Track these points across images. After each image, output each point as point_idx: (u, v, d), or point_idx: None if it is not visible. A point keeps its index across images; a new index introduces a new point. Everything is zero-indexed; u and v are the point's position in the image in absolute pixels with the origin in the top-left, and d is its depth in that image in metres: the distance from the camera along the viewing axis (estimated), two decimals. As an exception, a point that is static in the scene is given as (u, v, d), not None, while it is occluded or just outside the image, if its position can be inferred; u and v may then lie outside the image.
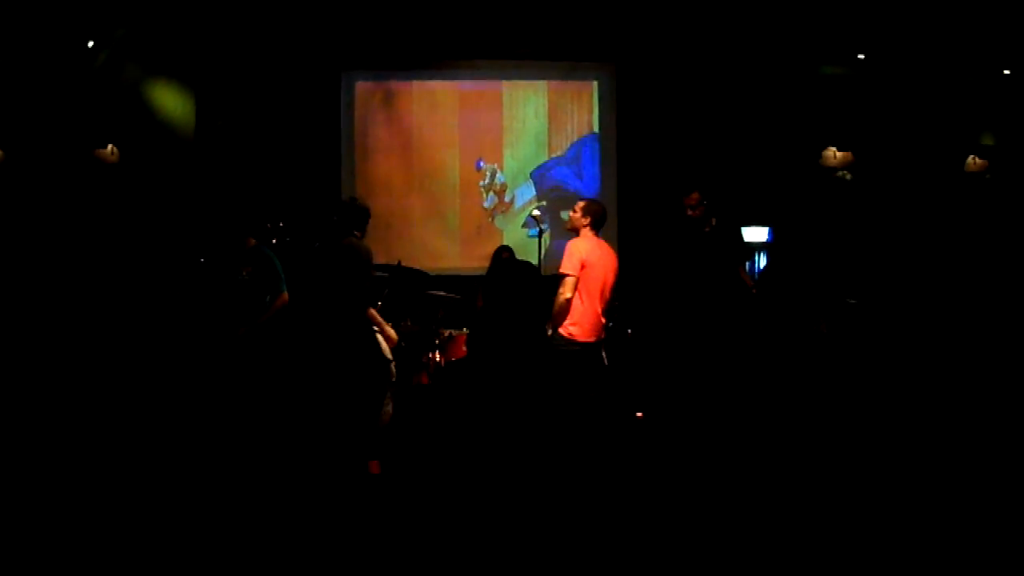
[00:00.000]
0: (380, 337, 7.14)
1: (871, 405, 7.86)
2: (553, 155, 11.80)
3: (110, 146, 10.81)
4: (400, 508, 5.73)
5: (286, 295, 7.61)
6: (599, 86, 11.78)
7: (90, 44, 10.55)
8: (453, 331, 8.88)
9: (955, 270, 10.09)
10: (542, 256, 8.35)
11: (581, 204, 7.87)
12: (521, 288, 3.97)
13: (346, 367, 6.87)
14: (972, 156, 11.09)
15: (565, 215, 9.09)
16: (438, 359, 8.76)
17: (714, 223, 8.59)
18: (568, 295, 6.92)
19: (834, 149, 11.32)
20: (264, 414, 7.24)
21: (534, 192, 11.75)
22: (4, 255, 10.06)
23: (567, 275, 7.06)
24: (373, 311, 7.14)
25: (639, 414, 8.36)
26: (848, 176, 11.24)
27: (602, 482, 4.04)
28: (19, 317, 9.46)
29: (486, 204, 11.69)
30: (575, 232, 7.74)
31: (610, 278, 7.15)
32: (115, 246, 10.40)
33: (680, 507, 5.47)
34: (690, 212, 8.57)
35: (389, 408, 7.16)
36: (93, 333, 9.33)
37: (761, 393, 7.84)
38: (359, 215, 7.37)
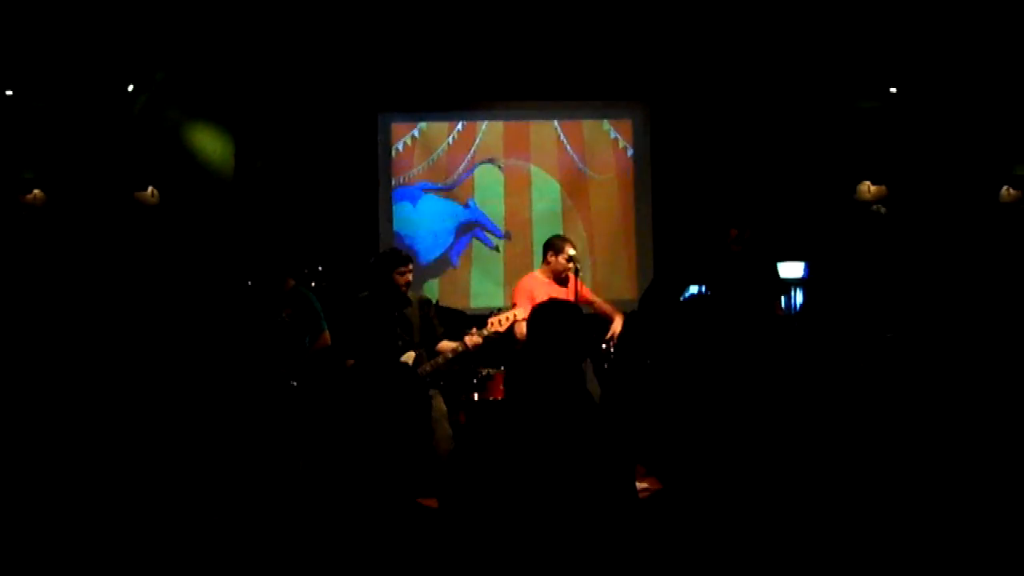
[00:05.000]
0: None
1: (907, 440, 7.83)
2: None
3: (150, 188, 10.91)
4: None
5: (327, 335, 7.70)
6: (633, 124, 11.83)
7: (130, 88, 10.68)
8: (491, 369, 8.90)
9: (992, 302, 10.06)
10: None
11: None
12: (565, 329, 4.00)
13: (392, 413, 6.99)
14: (1006, 187, 11.06)
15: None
16: (476, 398, 8.78)
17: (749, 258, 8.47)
18: None
19: (868, 183, 11.30)
20: (307, 455, 7.32)
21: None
22: (46, 296, 10.18)
23: None
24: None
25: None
26: (883, 210, 11.23)
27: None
28: (62, 357, 9.56)
29: None
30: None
31: None
32: (155, 287, 10.49)
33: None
34: (734, 247, 8.35)
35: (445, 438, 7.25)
36: (135, 373, 9.42)
37: (790, 428, 7.78)
38: (384, 262, 7.48)
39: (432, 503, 6.87)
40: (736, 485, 6.99)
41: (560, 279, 8.04)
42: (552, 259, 8.06)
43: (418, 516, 6.57)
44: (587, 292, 8.30)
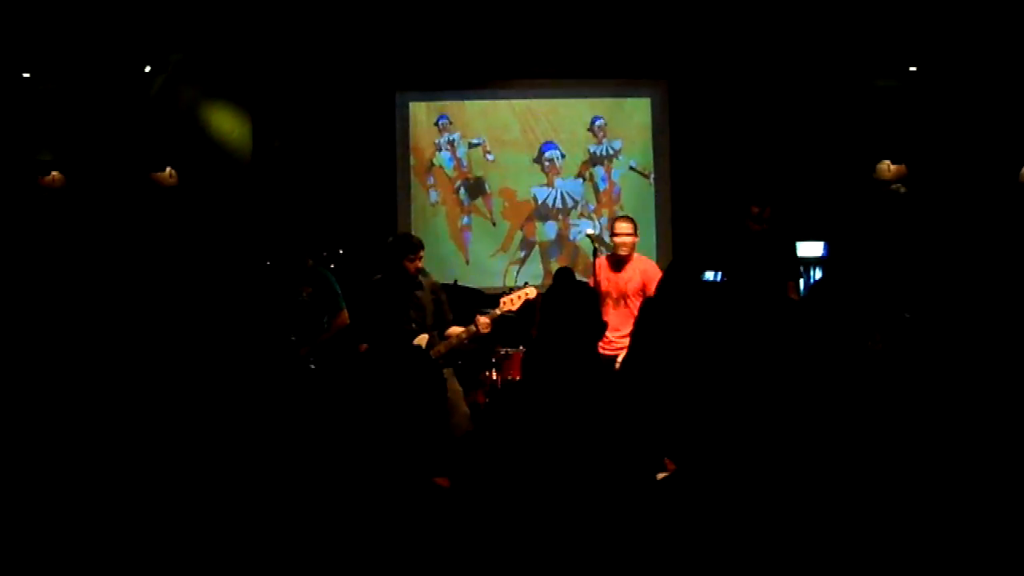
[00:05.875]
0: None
1: (924, 423, 7.74)
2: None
3: (168, 169, 10.94)
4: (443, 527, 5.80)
5: (346, 314, 7.72)
6: (652, 103, 11.80)
7: (147, 69, 10.69)
8: (509, 349, 8.91)
9: (1011, 282, 9.99)
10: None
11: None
12: (579, 311, 4.01)
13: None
14: (1026, 167, 11.00)
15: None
16: (495, 377, 8.80)
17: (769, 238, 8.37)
18: None
19: (888, 162, 11.24)
20: (327, 433, 7.32)
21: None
22: (66, 277, 10.20)
23: None
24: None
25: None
26: (902, 189, 11.17)
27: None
28: (81, 338, 9.58)
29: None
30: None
31: None
32: (174, 267, 10.52)
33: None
34: (755, 225, 8.26)
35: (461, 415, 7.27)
36: (155, 354, 9.43)
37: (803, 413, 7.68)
38: (395, 248, 7.49)
39: (445, 482, 6.90)
40: (751, 468, 6.95)
41: (617, 260, 8.14)
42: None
43: (432, 496, 6.58)
44: (648, 272, 8.33)
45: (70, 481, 6.90)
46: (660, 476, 7.10)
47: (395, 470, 6.68)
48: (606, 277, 8.04)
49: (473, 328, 7.30)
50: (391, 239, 7.85)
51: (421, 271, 7.54)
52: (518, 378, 8.53)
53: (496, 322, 7.36)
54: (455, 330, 7.45)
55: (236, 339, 8.54)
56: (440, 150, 11.69)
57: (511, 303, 7.28)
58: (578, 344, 4.03)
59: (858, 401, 7.73)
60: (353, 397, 6.91)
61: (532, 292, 7.30)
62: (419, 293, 7.46)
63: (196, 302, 10.11)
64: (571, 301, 4.06)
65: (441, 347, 7.32)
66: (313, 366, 7.51)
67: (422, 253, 7.52)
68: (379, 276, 7.61)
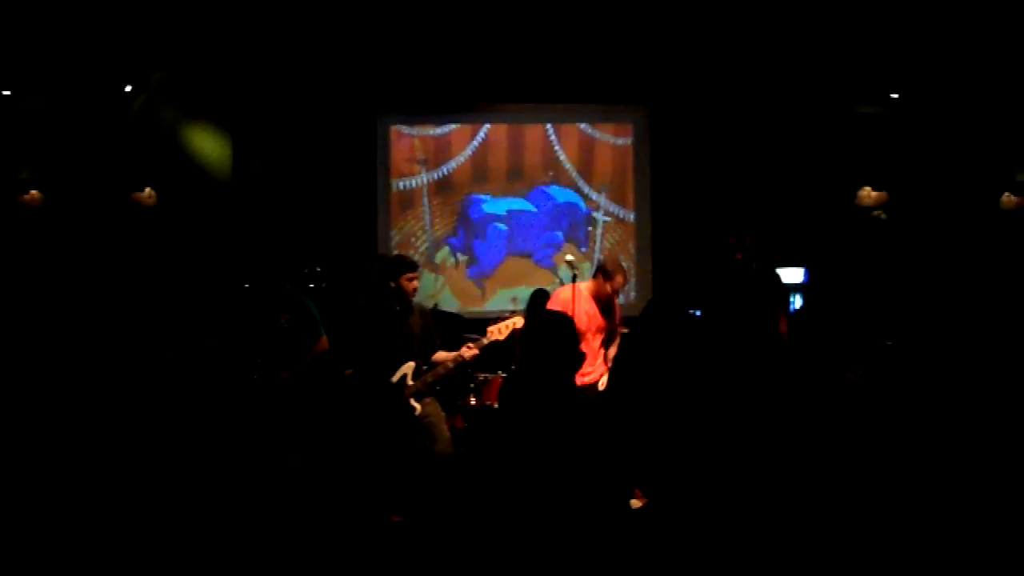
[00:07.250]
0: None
1: (905, 453, 7.73)
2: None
3: (147, 189, 10.88)
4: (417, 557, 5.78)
5: (325, 340, 7.64)
6: (634, 129, 11.80)
7: (127, 88, 10.65)
8: (488, 375, 8.87)
9: (992, 309, 10.01)
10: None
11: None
12: (558, 343, 3.99)
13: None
14: (1007, 193, 11.02)
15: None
16: (473, 402, 8.76)
17: (753, 267, 8.31)
18: None
19: (869, 189, 11.28)
20: (302, 457, 7.29)
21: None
22: (44, 297, 10.15)
23: None
24: None
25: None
26: (883, 216, 11.20)
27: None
28: (57, 358, 9.53)
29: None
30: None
31: None
32: (152, 289, 10.47)
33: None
34: (736, 255, 8.20)
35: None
36: (131, 377, 9.38)
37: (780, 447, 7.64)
38: (392, 267, 7.39)
39: (398, 519, 6.87)
40: (727, 500, 6.92)
41: (602, 301, 7.96)
42: (601, 282, 7.97)
43: (394, 531, 6.57)
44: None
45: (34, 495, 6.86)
46: (634, 505, 7.07)
47: (354, 501, 6.67)
48: (585, 311, 7.85)
49: (459, 357, 7.21)
50: (381, 262, 7.74)
51: (416, 292, 7.41)
52: (496, 404, 8.50)
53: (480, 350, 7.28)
54: (442, 356, 7.34)
55: (212, 363, 8.49)
56: (417, 163, 11.73)
57: (498, 332, 7.19)
58: (555, 374, 4.00)
59: (835, 430, 7.73)
60: (327, 426, 6.90)
61: (519, 321, 7.22)
62: (410, 318, 7.36)
63: (173, 325, 10.07)
64: (549, 332, 4.03)
65: (428, 376, 7.22)
66: (290, 391, 7.43)
67: (418, 273, 7.42)
68: (363, 301, 7.50)
